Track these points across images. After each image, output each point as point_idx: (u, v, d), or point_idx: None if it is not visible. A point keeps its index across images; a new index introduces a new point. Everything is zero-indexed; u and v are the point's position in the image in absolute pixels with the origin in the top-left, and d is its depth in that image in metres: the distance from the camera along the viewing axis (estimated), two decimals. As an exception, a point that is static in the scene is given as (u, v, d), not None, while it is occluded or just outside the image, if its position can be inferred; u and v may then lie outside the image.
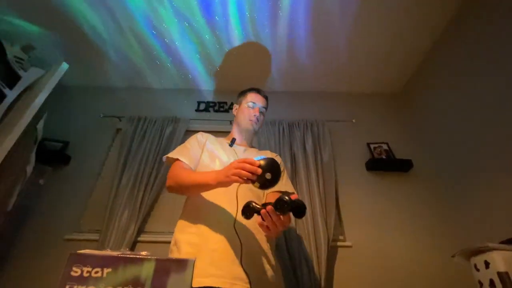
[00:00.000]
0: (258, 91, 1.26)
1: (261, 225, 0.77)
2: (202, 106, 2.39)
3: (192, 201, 1.00)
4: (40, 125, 1.72)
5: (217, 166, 1.02)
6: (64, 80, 1.73)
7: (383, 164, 2.03)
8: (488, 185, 1.51)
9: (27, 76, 1.64)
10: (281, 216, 0.73)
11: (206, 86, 2.47)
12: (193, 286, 0.74)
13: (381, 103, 2.42)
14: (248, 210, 0.75)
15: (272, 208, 0.71)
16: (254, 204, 0.75)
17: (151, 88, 2.47)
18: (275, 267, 0.94)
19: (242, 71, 2.28)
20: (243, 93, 1.27)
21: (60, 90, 1.75)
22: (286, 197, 0.70)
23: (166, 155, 1.05)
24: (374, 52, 2.10)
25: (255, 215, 0.76)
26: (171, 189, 0.97)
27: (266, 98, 1.26)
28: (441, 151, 1.92)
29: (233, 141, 1.14)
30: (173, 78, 2.39)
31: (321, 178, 1.86)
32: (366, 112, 2.35)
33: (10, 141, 1.42)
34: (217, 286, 0.78)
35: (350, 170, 2.05)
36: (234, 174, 0.75)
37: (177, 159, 1.01)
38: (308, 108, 2.36)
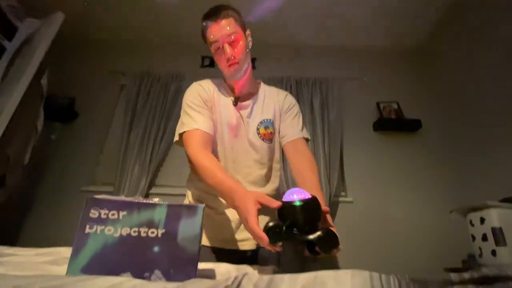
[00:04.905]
0: (208, 17, 0.83)
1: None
2: (206, 62, 2.30)
3: None
4: (44, 80, 1.69)
5: (225, 133, 0.89)
6: (65, 33, 1.65)
7: (392, 124, 2.00)
8: (494, 147, 1.50)
9: (24, 27, 1.57)
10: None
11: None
12: (203, 244, 0.78)
13: (394, 60, 2.28)
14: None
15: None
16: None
17: (154, 42, 2.36)
18: None
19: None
20: (202, 34, 0.88)
21: (61, 43, 1.67)
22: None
23: (175, 141, 0.87)
24: (389, 4, 1.91)
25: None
26: (192, 168, 0.88)
27: (226, 17, 0.82)
28: (450, 112, 1.88)
29: (236, 100, 0.93)
30: (176, 31, 2.26)
31: (327, 136, 1.87)
32: (378, 70, 2.23)
33: (16, 96, 1.41)
34: (226, 248, 0.80)
35: (357, 129, 2.03)
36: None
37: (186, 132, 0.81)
38: (317, 65, 2.23)
